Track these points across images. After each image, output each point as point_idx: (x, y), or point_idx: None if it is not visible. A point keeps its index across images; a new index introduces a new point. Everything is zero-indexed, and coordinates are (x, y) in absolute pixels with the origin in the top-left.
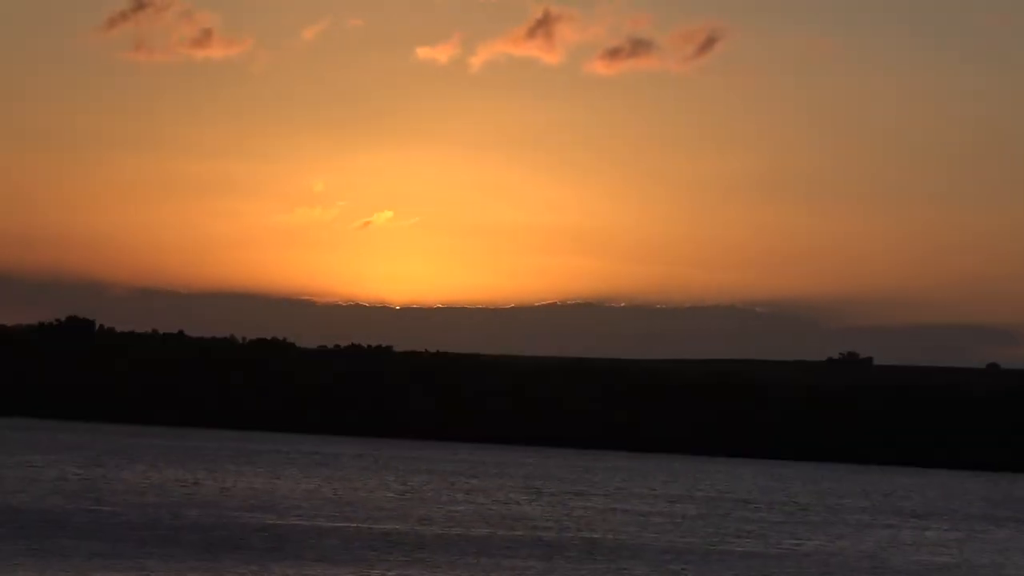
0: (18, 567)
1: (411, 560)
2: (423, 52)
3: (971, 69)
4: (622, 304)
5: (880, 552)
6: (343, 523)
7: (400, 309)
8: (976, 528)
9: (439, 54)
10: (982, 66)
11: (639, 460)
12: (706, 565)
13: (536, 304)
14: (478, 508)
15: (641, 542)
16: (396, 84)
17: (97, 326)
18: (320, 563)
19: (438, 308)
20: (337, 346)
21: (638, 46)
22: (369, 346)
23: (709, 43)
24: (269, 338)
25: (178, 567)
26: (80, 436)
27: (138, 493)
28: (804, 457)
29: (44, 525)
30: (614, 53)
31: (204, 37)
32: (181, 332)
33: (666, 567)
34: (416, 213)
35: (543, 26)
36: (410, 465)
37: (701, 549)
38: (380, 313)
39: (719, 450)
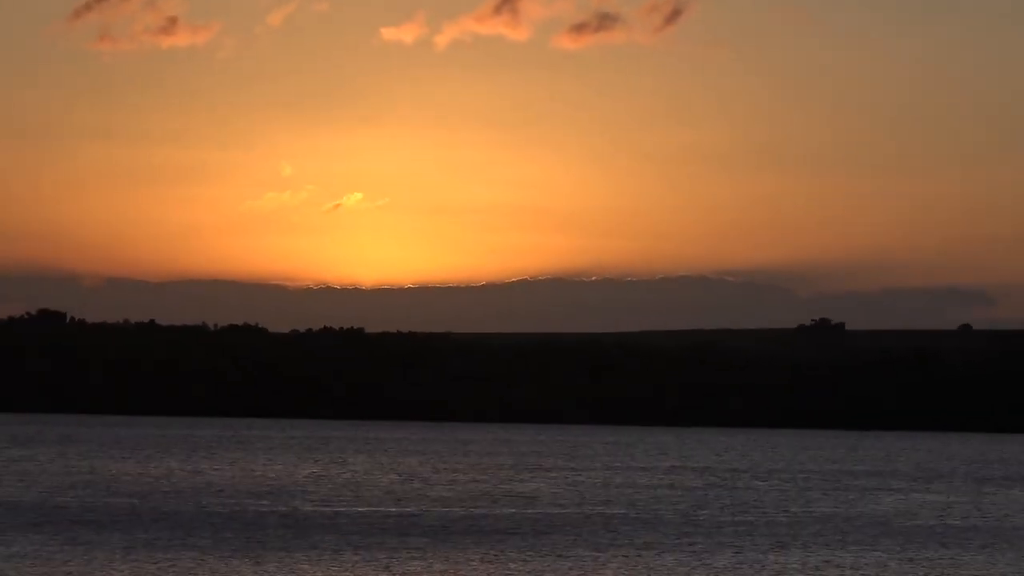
0: (67, 563)
1: (449, 542)
2: (388, 33)
3: (937, 31)
4: (593, 278)
5: (897, 516)
6: (365, 507)
7: (371, 291)
8: (984, 490)
9: (405, 34)
10: (951, 28)
11: (621, 434)
12: (735, 536)
13: (507, 281)
14: (489, 487)
15: (659, 515)
16: (363, 66)
17: (68, 318)
18: (366, 548)
19: (409, 288)
20: (309, 330)
21: (604, 20)
22: (341, 328)
23: (675, 15)
24: (241, 324)
25: (230, 559)
26: (63, 428)
27: (147, 483)
28: (780, 425)
29: (75, 519)
30: (580, 28)
31: (169, 25)
32: (152, 321)
33: (693, 540)
34: (385, 194)
35: (509, 3)
36: (398, 447)
37: (720, 520)
38: (352, 295)
39: (696, 421)
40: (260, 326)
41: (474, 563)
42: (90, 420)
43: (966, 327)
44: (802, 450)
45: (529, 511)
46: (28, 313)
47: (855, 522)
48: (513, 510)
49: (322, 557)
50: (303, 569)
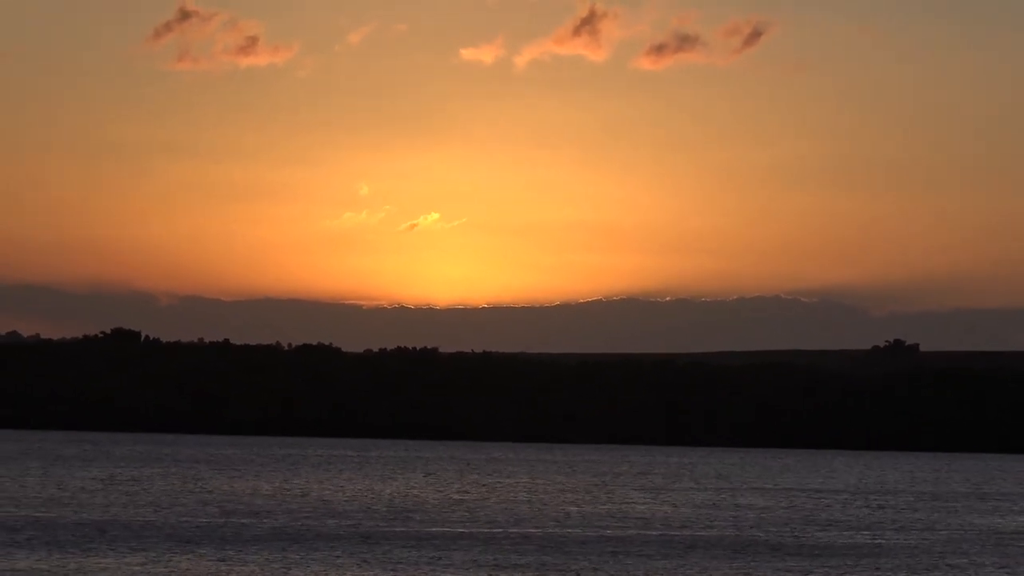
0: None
1: (575, 563)
2: (468, 53)
3: (1019, 53)
4: (667, 298)
5: None
6: (484, 528)
7: (446, 310)
8: None
9: (484, 55)
10: None
11: (705, 455)
12: (913, 557)
13: (582, 301)
14: (608, 508)
15: (827, 539)
16: (441, 86)
17: (143, 337)
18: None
19: (483, 308)
20: (383, 349)
21: (684, 41)
22: (415, 348)
23: (754, 36)
24: (315, 343)
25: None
26: (146, 447)
27: (263, 500)
28: (855, 446)
29: (220, 541)
30: (660, 49)
31: (249, 44)
32: (227, 340)
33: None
34: (462, 214)
35: (588, 24)
36: (489, 467)
37: (896, 542)
38: (426, 315)
39: (770, 441)
40: (334, 345)
41: None
42: (166, 439)
43: None
44: (907, 471)
45: (675, 532)
46: (103, 332)
47: None
48: (669, 532)
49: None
50: None
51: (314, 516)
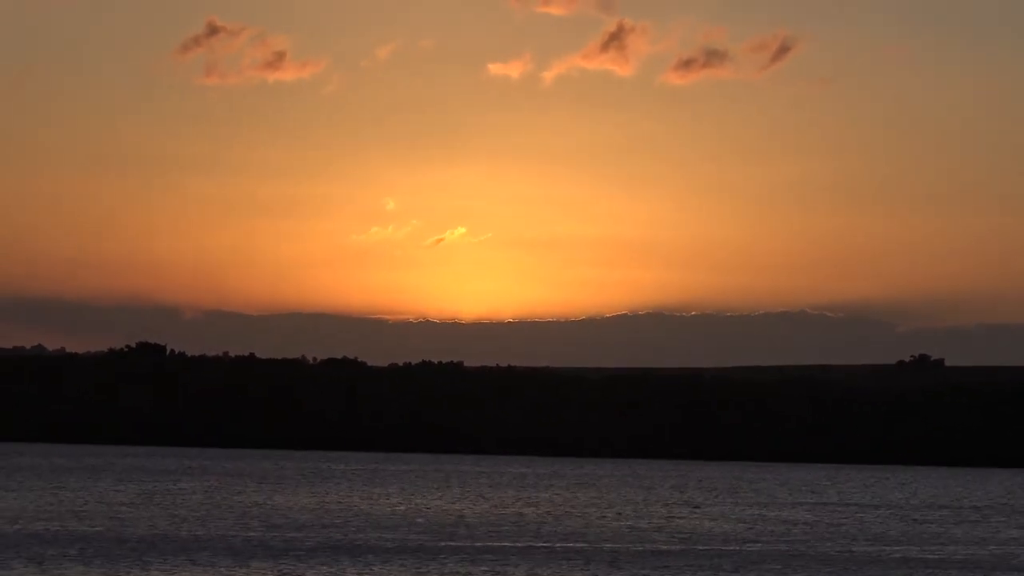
0: None
1: None
2: (495, 68)
3: None
4: (693, 313)
5: None
6: (534, 542)
7: (471, 324)
8: None
9: (511, 70)
10: None
11: (732, 469)
12: (967, 571)
13: (607, 315)
14: (650, 523)
15: (899, 554)
16: (468, 101)
17: (168, 351)
18: None
19: (509, 323)
20: (408, 363)
21: (712, 56)
22: (440, 362)
23: (782, 52)
24: (340, 357)
25: None
26: (175, 461)
27: (307, 514)
28: (880, 460)
29: (275, 554)
30: (688, 64)
31: (277, 59)
32: (252, 354)
33: None
34: (489, 228)
35: (616, 39)
36: (521, 481)
37: (943, 556)
38: (451, 329)
39: (796, 457)
40: (359, 359)
41: None
42: (190, 452)
43: None
44: (941, 487)
45: (740, 547)
46: (128, 346)
47: None
48: (734, 546)
49: None
50: None
51: (361, 529)
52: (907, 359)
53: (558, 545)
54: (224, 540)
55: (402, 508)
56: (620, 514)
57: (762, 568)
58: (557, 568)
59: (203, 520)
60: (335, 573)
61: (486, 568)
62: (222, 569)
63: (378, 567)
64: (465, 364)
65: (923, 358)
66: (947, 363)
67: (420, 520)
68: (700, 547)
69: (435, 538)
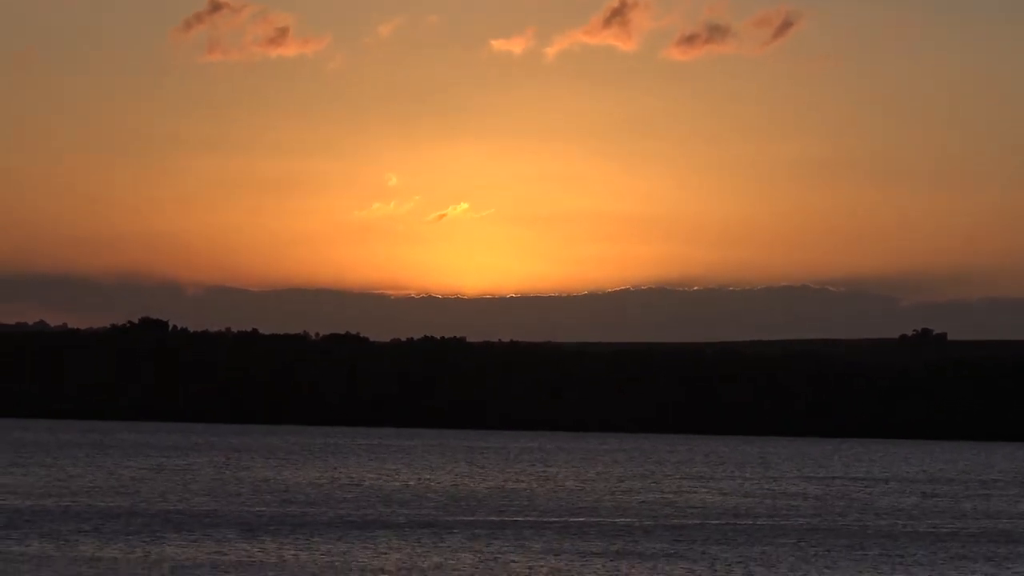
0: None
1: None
2: (498, 44)
3: None
4: (695, 287)
5: None
6: (549, 517)
7: (473, 300)
8: None
9: (514, 46)
10: None
11: (735, 443)
12: (987, 545)
13: (610, 290)
14: (661, 497)
15: (913, 528)
16: (471, 77)
17: (170, 327)
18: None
19: (511, 298)
20: (410, 339)
21: (715, 32)
22: (442, 337)
23: (785, 27)
24: (343, 333)
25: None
26: (180, 437)
27: (318, 489)
28: (882, 434)
29: (289, 528)
30: (690, 40)
31: (279, 36)
32: (255, 330)
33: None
34: (491, 204)
35: (619, 14)
36: (527, 456)
37: (960, 529)
38: (453, 305)
39: (798, 430)
40: (361, 335)
41: None
42: (195, 428)
43: None
44: (950, 461)
45: (761, 521)
46: (131, 322)
47: None
48: (756, 521)
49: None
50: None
51: (373, 505)
52: (909, 333)
53: (571, 519)
54: (238, 515)
55: (412, 483)
56: (630, 489)
57: (778, 544)
58: (575, 543)
59: (215, 495)
60: (352, 548)
61: (505, 543)
62: (239, 544)
63: (396, 542)
64: (467, 339)
65: (926, 332)
66: (950, 337)
67: (432, 495)
68: (714, 521)
69: (448, 513)
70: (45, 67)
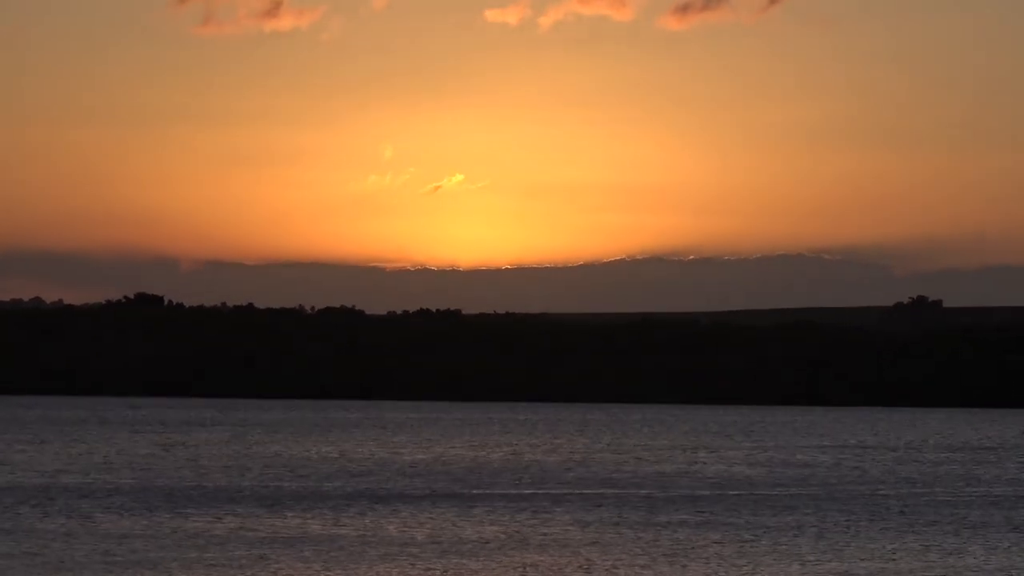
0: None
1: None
2: (492, 15)
3: None
4: (691, 257)
5: None
6: (592, 488)
7: (468, 272)
8: None
9: (509, 15)
10: None
11: (733, 413)
12: (1007, 509)
13: (605, 261)
14: (687, 467)
15: (937, 496)
16: (465, 47)
17: (166, 301)
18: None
19: (507, 269)
20: (406, 311)
21: (709, 0)
22: (438, 310)
23: None
24: (338, 307)
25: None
26: (183, 412)
27: (329, 464)
28: (878, 402)
29: (308, 502)
30: (685, 8)
31: (273, 8)
32: (250, 304)
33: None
34: (486, 175)
35: None
36: (528, 427)
37: (976, 495)
38: (449, 277)
39: (794, 400)
40: (357, 308)
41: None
42: (194, 403)
43: None
44: (960, 427)
45: (778, 490)
46: (126, 297)
47: None
48: (773, 489)
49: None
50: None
51: (389, 478)
52: (905, 301)
53: (588, 491)
54: (257, 490)
55: (422, 456)
56: (640, 459)
57: (798, 512)
58: (600, 514)
59: (230, 470)
60: (380, 521)
61: (529, 516)
62: (265, 518)
63: (419, 515)
64: (463, 312)
65: (921, 300)
66: (945, 304)
67: (445, 469)
68: (731, 492)
69: (466, 486)
70: (36, 39)
